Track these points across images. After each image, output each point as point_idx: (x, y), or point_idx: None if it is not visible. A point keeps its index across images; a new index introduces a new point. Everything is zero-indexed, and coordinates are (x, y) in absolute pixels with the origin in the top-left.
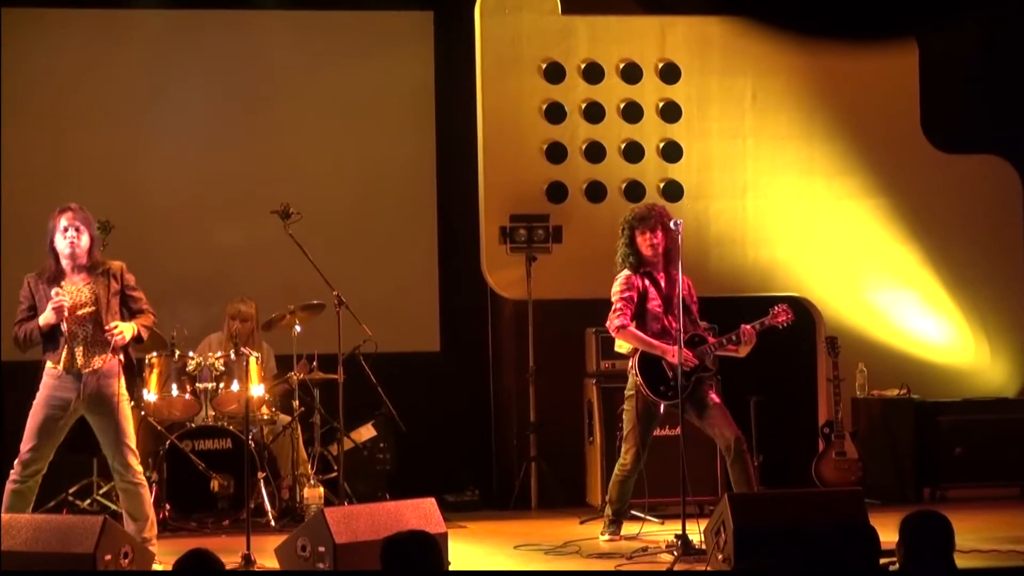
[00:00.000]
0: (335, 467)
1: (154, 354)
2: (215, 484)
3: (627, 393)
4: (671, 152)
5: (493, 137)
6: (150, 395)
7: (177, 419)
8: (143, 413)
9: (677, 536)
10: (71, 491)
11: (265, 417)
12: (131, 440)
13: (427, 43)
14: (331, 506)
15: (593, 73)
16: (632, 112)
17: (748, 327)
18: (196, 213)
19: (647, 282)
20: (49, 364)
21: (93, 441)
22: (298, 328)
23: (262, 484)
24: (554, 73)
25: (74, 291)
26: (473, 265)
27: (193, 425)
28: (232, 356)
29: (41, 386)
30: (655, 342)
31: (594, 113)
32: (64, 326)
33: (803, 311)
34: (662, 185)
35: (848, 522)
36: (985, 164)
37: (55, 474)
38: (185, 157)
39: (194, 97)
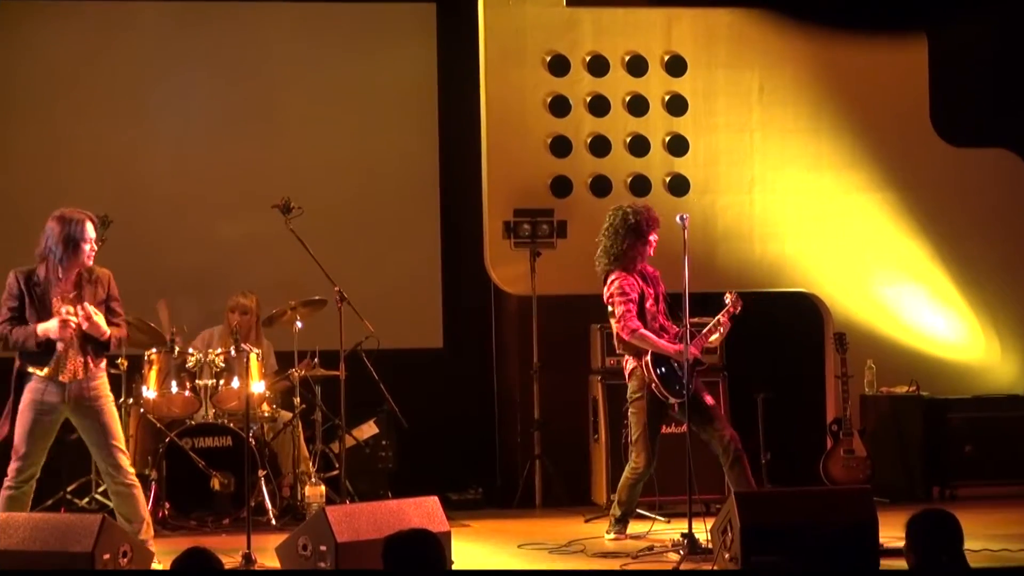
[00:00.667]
0: (337, 465)
1: (153, 350)
2: (215, 482)
3: (632, 396)
4: (677, 146)
5: (497, 131)
6: (149, 392)
7: (177, 416)
8: (142, 410)
9: (683, 535)
10: (69, 489)
11: (266, 414)
12: (120, 440)
13: (430, 35)
14: (333, 504)
15: (598, 66)
16: (637, 105)
17: (724, 317)
18: (196, 207)
19: (640, 281)
20: (31, 369)
21: None
22: (299, 324)
23: (263, 482)
24: (558, 66)
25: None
26: (476, 260)
27: (193, 422)
28: (233, 352)
29: (25, 391)
30: (664, 343)
31: (599, 106)
32: (60, 344)
33: (811, 307)
34: (668, 179)
35: (856, 521)
36: (995, 158)
37: (53, 472)
38: (185, 151)
39: (194, 90)
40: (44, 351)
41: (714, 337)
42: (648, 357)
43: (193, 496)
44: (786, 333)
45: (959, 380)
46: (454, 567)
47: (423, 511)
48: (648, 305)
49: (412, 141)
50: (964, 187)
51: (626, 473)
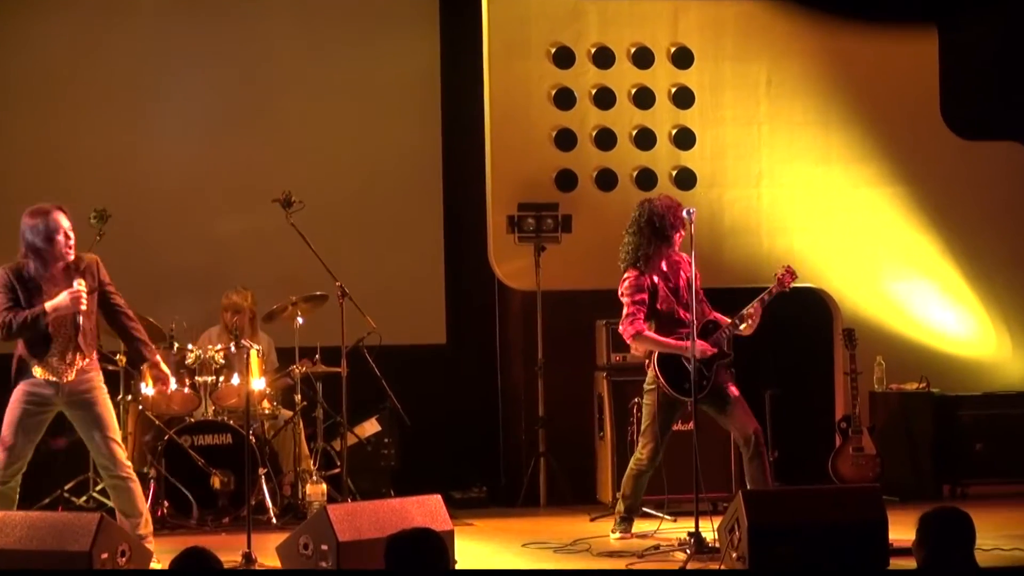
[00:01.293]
0: (338, 463)
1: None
2: (215, 481)
3: (647, 387)
4: (684, 139)
5: (500, 124)
6: (148, 389)
7: (176, 414)
8: (140, 408)
9: (690, 534)
10: (66, 487)
11: (266, 412)
12: (115, 433)
13: (432, 27)
14: (334, 503)
15: (603, 58)
16: (644, 98)
17: (756, 303)
18: (196, 201)
19: (656, 279)
20: (30, 363)
21: None
22: (300, 320)
23: (263, 480)
24: (563, 58)
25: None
26: (480, 255)
27: (192, 420)
28: (232, 349)
29: (19, 383)
30: (671, 341)
31: (604, 99)
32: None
33: (820, 302)
34: (674, 173)
35: (866, 520)
36: (1007, 151)
37: (50, 470)
38: (184, 144)
39: (193, 82)
40: (41, 340)
41: (743, 326)
42: (656, 355)
43: (193, 495)
44: (794, 329)
45: (970, 377)
46: (457, 567)
47: (426, 510)
48: (659, 303)
49: (415, 134)
50: (975, 181)
51: (631, 463)
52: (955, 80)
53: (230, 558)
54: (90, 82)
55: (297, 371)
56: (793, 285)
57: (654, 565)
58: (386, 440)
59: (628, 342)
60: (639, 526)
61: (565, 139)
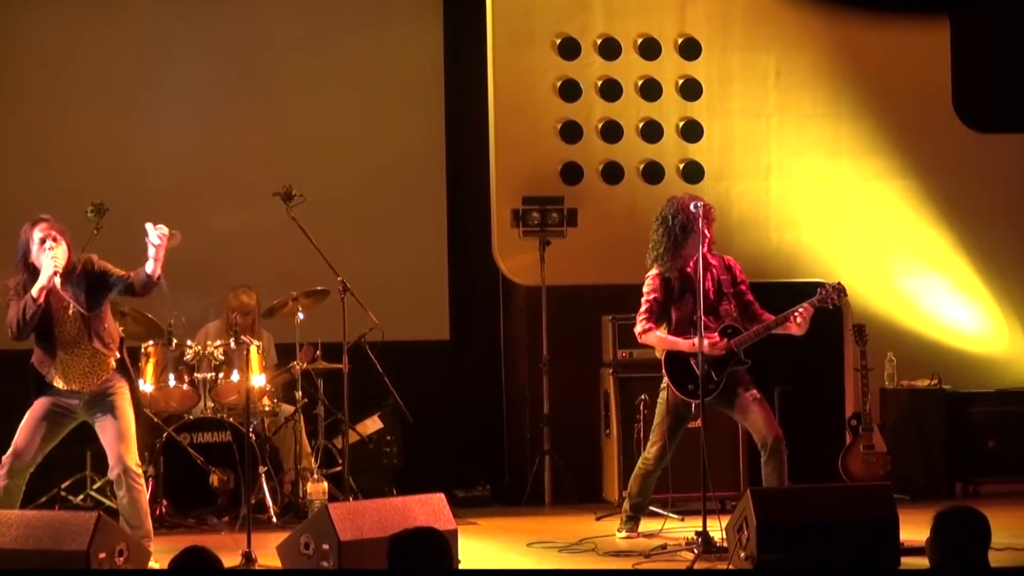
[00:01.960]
0: (340, 461)
1: (150, 343)
2: (214, 479)
3: (662, 385)
4: (691, 131)
5: (505, 116)
6: (146, 386)
7: (174, 411)
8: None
9: (697, 533)
10: (64, 486)
11: (266, 409)
12: (128, 442)
13: (436, 17)
14: (335, 502)
15: (609, 49)
16: (650, 90)
17: (807, 305)
18: (195, 195)
19: (676, 279)
20: (53, 377)
21: (88, 434)
22: (301, 315)
23: (263, 479)
24: (569, 49)
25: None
26: (484, 250)
27: (191, 417)
28: (232, 345)
29: (40, 395)
30: (679, 340)
31: (611, 91)
32: (55, 333)
33: None
34: (682, 166)
35: (876, 519)
36: (1020, 144)
37: (47, 469)
38: (183, 137)
39: (193, 75)
40: (45, 340)
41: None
42: (664, 356)
43: (192, 493)
44: None
45: (982, 373)
46: (461, 566)
47: (429, 509)
48: (674, 304)
49: (418, 127)
50: (987, 174)
51: (639, 462)
52: (968, 72)
53: (230, 557)
54: (87, 74)
55: (298, 367)
56: (802, 280)
57: (661, 565)
58: (388, 438)
59: (638, 340)
60: (646, 525)
61: (571, 131)
